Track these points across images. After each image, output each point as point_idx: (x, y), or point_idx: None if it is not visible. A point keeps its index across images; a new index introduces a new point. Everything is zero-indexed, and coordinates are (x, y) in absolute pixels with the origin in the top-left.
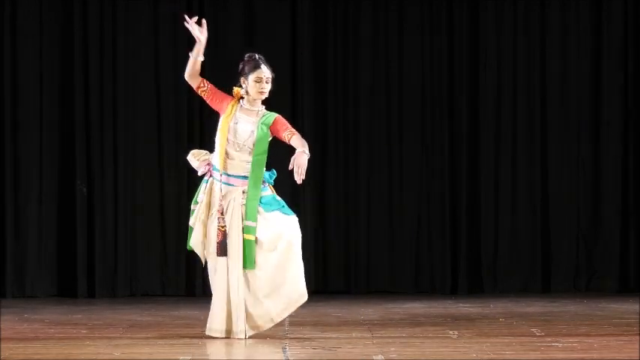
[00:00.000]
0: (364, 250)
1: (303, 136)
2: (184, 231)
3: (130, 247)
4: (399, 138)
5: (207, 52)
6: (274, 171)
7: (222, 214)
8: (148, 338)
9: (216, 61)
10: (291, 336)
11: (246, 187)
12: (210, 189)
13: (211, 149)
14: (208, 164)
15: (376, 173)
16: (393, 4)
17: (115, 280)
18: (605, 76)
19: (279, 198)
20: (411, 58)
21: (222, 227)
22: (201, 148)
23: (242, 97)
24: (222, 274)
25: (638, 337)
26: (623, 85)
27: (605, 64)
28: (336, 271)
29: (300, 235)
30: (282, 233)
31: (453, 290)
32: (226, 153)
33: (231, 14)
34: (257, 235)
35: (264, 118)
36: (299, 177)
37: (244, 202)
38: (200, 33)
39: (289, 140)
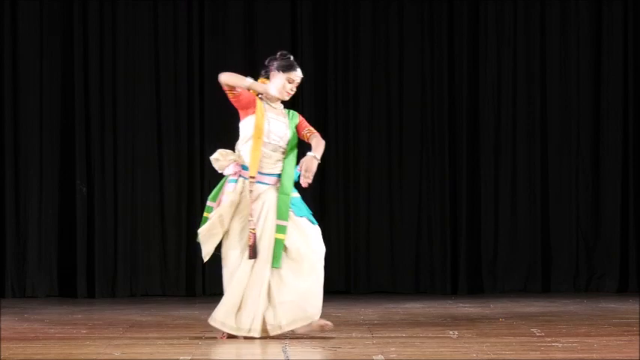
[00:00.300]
0: (364, 250)
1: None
2: (184, 231)
3: (130, 247)
4: (399, 138)
5: (207, 53)
6: (297, 170)
7: (252, 216)
8: (148, 338)
9: (217, 61)
10: (291, 336)
11: (279, 185)
12: (242, 189)
13: (213, 150)
14: (237, 164)
15: (376, 173)
16: (393, 4)
17: (115, 280)
18: (606, 76)
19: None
20: (411, 58)
21: (254, 230)
22: (201, 148)
23: (259, 95)
24: (244, 271)
25: (638, 337)
26: (624, 84)
27: (605, 64)
28: (336, 271)
29: (324, 249)
30: (309, 245)
31: (453, 290)
32: (262, 153)
33: (231, 14)
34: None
35: (290, 116)
36: (305, 181)
37: (277, 200)
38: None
39: (308, 139)
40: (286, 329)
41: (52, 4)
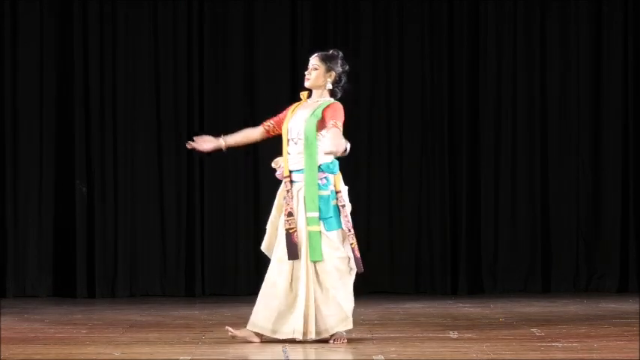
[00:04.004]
0: (364, 250)
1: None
2: (184, 231)
3: (130, 247)
4: (399, 138)
5: (207, 53)
6: (335, 161)
7: (289, 215)
8: (148, 338)
9: (217, 61)
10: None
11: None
12: (282, 190)
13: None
14: (280, 168)
15: (376, 173)
16: (393, 4)
17: (115, 280)
18: (606, 76)
19: (334, 202)
20: (411, 58)
21: (291, 229)
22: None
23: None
24: (286, 274)
25: (638, 337)
26: (624, 84)
27: (605, 64)
28: None
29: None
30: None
31: (453, 290)
32: (288, 152)
33: (231, 14)
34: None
35: (321, 104)
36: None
37: (304, 193)
38: (207, 146)
39: (327, 131)
40: (330, 332)
41: (53, 4)
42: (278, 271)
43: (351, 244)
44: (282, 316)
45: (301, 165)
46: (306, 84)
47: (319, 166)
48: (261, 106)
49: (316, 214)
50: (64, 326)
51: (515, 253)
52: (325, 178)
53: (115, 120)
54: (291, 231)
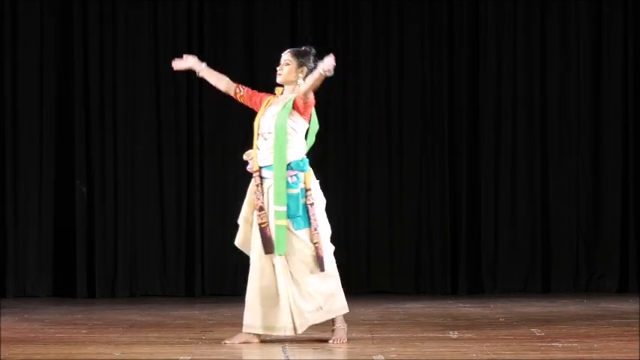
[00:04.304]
0: (364, 250)
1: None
2: (184, 231)
3: (130, 247)
4: (399, 137)
5: (207, 53)
6: (305, 159)
7: (260, 210)
8: (148, 338)
9: (217, 61)
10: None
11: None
12: (252, 185)
13: (213, 151)
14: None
15: (376, 173)
16: (393, 4)
17: (115, 280)
18: (606, 76)
19: (304, 200)
20: (411, 58)
21: (263, 224)
22: (200, 149)
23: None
24: (255, 269)
25: (638, 337)
26: (623, 84)
27: (605, 64)
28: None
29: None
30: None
31: (453, 290)
32: (257, 147)
33: (231, 14)
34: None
35: (291, 97)
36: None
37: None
38: (185, 64)
39: (305, 91)
40: (311, 324)
41: (53, 4)
42: (259, 267)
43: (315, 243)
44: (268, 312)
45: (270, 161)
46: (278, 79)
47: (289, 164)
48: None
49: (283, 209)
50: (64, 326)
51: (515, 253)
52: (295, 175)
53: (115, 120)
54: (263, 225)
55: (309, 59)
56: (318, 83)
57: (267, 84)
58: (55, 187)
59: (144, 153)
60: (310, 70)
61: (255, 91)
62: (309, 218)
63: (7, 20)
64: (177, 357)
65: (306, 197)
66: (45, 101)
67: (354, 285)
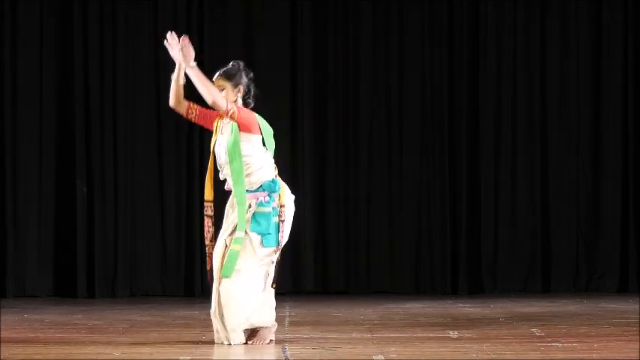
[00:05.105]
0: (364, 250)
1: (304, 135)
2: (184, 231)
3: (130, 247)
4: (399, 138)
5: (207, 52)
6: (276, 180)
7: (210, 240)
8: (148, 338)
9: (217, 62)
10: (291, 336)
11: (252, 201)
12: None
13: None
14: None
15: (376, 173)
16: (394, 5)
17: (115, 280)
18: (606, 76)
19: (275, 219)
20: (411, 59)
21: (210, 255)
22: (200, 150)
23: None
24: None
25: (638, 337)
26: (624, 84)
27: (605, 63)
28: (336, 271)
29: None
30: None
31: (453, 290)
32: (220, 176)
33: (231, 14)
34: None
35: (232, 124)
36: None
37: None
38: (178, 53)
39: (211, 102)
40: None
41: (53, 4)
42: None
43: (273, 262)
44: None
45: (230, 186)
46: None
47: (261, 186)
48: (261, 106)
49: (242, 234)
50: (64, 326)
51: (515, 253)
52: (268, 195)
53: (115, 120)
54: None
55: (241, 75)
56: (195, 79)
57: (267, 84)
58: (55, 187)
59: (144, 153)
60: (246, 85)
61: (208, 112)
62: (277, 237)
63: (7, 20)
64: (177, 357)
65: (279, 215)
66: (45, 101)
67: (354, 285)
